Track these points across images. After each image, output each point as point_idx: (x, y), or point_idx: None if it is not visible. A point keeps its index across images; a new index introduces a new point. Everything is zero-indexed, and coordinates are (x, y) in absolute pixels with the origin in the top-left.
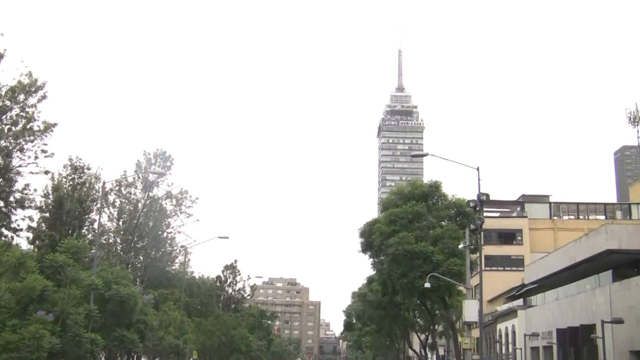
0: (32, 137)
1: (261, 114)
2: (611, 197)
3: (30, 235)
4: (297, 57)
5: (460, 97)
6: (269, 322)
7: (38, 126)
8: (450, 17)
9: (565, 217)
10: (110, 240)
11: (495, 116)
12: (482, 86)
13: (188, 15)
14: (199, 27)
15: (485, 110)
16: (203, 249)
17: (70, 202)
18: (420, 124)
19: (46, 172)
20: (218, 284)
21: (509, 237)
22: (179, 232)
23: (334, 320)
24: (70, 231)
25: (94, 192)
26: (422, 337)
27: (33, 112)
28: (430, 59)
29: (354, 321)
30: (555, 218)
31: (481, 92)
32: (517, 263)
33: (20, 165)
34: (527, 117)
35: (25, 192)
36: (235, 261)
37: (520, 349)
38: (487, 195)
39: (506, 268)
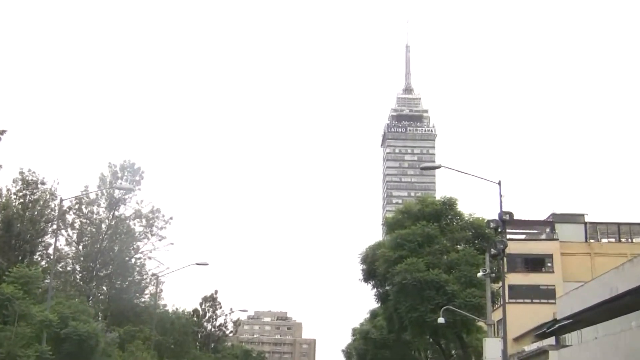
0: None
1: (247, 120)
2: None
3: None
4: (286, 53)
5: (477, 99)
6: None
7: None
8: (465, 5)
9: (604, 240)
10: (68, 268)
11: (519, 121)
12: (503, 86)
13: (161, 10)
14: (174, 21)
15: (507, 114)
16: (178, 277)
17: (20, 223)
18: (431, 130)
19: None
20: (195, 318)
21: (537, 263)
22: (149, 258)
23: None
24: (20, 257)
25: (49, 211)
26: None
27: None
28: (443, 56)
29: None
30: (592, 241)
31: (502, 93)
32: (547, 294)
33: None
34: (557, 122)
35: None
36: (216, 292)
37: None
38: (511, 214)
39: (534, 300)
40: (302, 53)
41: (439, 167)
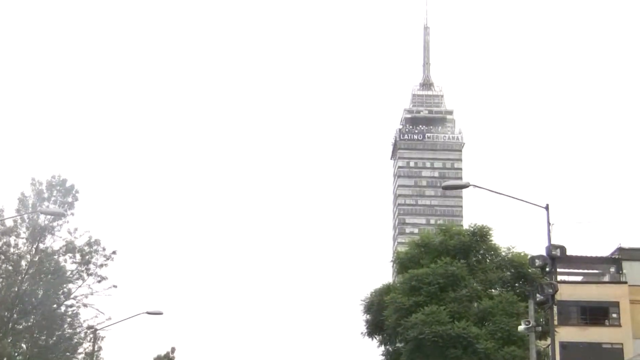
0: None
1: (212, 128)
2: None
3: None
4: (271, 41)
5: (517, 97)
6: None
7: None
8: None
9: None
10: None
11: (574, 125)
12: (550, 80)
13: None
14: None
15: (557, 116)
16: (123, 330)
17: None
18: (457, 138)
19: None
20: None
21: (598, 313)
22: (84, 305)
23: None
24: None
25: None
26: None
27: None
28: (472, 39)
29: None
30: None
31: (549, 88)
32: (612, 355)
33: None
34: (628, 127)
35: None
36: (173, 350)
37: None
38: (562, 249)
39: None
40: (291, 39)
41: (467, 186)
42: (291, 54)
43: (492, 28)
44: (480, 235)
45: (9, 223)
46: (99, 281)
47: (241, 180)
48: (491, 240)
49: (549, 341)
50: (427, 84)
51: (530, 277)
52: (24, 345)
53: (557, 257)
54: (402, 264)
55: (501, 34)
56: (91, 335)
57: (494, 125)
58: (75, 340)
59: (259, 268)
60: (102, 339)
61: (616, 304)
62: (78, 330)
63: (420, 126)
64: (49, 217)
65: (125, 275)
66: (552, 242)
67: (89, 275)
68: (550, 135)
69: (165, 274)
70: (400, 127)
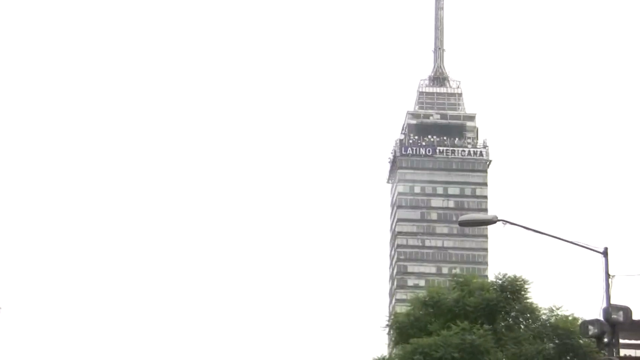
0: None
1: (143, 144)
2: None
3: None
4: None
5: (561, 96)
6: None
7: None
8: None
9: None
10: None
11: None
12: (608, 72)
13: None
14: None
15: (614, 124)
16: None
17: None
18: (480, 153)
19: None
20: None
21: None
22: None
23: None
24: None
25: None
26: None
27: None
28: (503, 18)
29: None
30: None
31: (605, 84)
32: None
33: None
34: None
35: None
36: None
37: None
38: (627, 311)
39: None
40: (280, 32)
41: (494, 221)
42: (274, 49)
43: (528, 4)
44: (512, 290)
45: None
46: None
47: (170, 212)
48: (527, 298)
49: None
50: (439, 78)
51: (582, 351)
52: None
53: (619, 323)
54: (402, 330)
55: (540, 13)
56: None
57: (532, 136)
58: None
59: (215, 331)
60: None
61: None
62: None
63: (430, 136)
64: None
65: (13, 334)
66: (613, 302)
67: None
68: (608, 151)
69: (68, 332)
70: (402, 137)
